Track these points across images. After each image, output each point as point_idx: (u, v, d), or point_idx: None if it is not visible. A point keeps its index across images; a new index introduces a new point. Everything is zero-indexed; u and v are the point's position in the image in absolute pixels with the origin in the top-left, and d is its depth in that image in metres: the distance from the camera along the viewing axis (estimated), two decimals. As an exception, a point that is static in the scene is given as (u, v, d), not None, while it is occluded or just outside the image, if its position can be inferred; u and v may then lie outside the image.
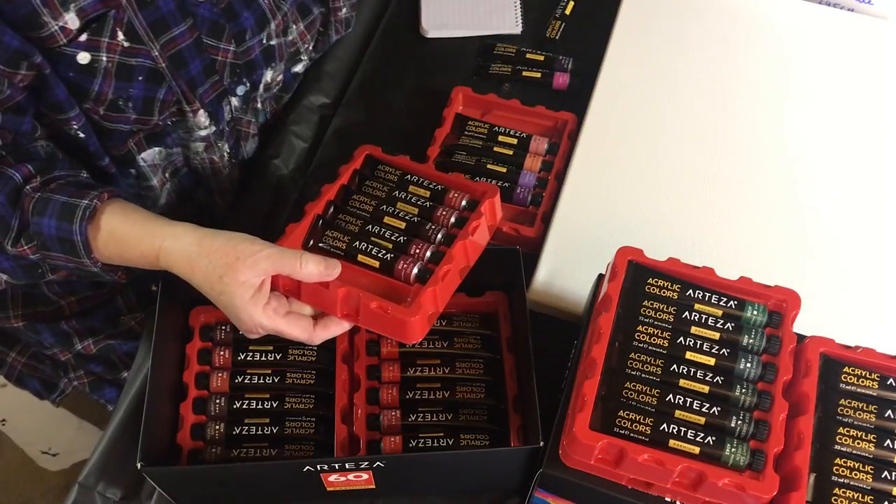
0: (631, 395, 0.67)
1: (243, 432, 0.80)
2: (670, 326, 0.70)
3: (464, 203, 0.82)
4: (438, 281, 0.74)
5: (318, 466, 0.73)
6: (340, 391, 0.81)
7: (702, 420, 0.66)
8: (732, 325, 0.70)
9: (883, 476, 0.66)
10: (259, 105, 1.00)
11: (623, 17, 1.12)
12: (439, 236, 0.79)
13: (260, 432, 0.80)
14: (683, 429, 0.65)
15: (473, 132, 1.01)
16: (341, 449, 0.79)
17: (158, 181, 0.93)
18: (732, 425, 0.65)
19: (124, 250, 0.76)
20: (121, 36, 0.78)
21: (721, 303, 0.71)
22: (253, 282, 0.71)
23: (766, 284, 0.72)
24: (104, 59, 0.78)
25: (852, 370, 0.70)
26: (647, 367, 0.68)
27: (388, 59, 1.11)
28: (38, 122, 0.80)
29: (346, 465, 0.73)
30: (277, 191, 1.02)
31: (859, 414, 0.68)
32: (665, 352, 0.69)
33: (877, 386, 0.69)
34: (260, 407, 0.81)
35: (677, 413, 0.66)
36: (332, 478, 0.75)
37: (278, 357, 0.83)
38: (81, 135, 0.82)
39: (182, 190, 0.98)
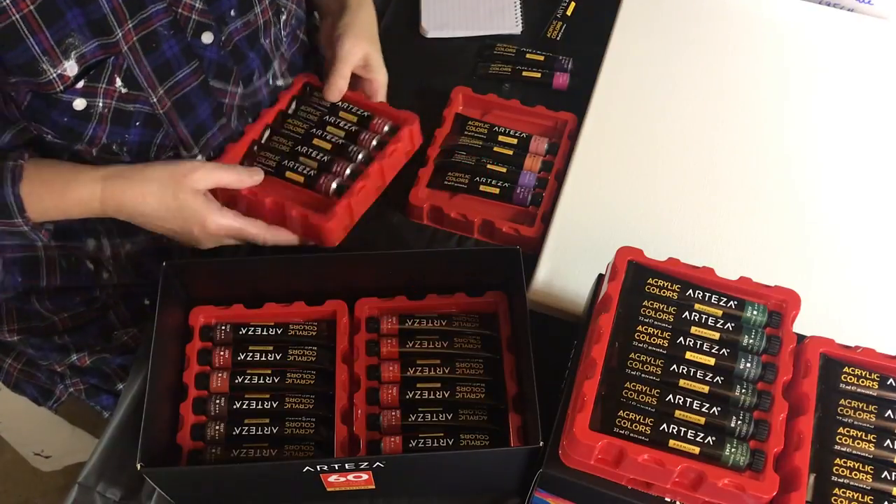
0: (631, 395, 0.67)
1: (243, 433, 0.80)
2: (670, 326, 0.70)
3: (386, 129, 0.93)
4: (354, 195, 0.87)
5: (318, 467, 0.73)
6: (340, 391, 0.81)
7: (702, 420, 0.66)
8: (732, 325, 0.70)
9: (883, 476, 0.66)
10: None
11: (623, 17, 1.13)
12: (360, 156, 0.90)
13: (260, 432, 0.80)
14: (683, 429, 0.65)
15: (473, 132, 1.01)
16: (341, 449, 0.79)
17: None
18: (732, 425, 0.65)
19: (61, 200, 0.78)
20: (118, 82, 0.77)
21: (721, 303, 0.71)
22: (204, 190, 0.81)
23: (766, 284, 0.72)
24: (100, 104, 0.77)
25: (852, 370, 0.70)
26: (647, 367, 0.68)
27: (388, 60, 1.10)
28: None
29: (346, 466, 0.73)
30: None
31: (859, 414, 0.68)
32: (665, 352, 0.69)
33: (877, 386, 0.69)
34: (260, 407, 0.81)
35: (677, 413, 0.66)
36: (332, 478, 0.75)
37: (278, 357, 0.83)
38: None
39: None
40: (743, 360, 0.68)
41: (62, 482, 1.58)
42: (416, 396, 0.81)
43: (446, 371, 0.82)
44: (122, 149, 0.81)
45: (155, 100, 0.80)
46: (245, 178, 0.85)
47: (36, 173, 0.77)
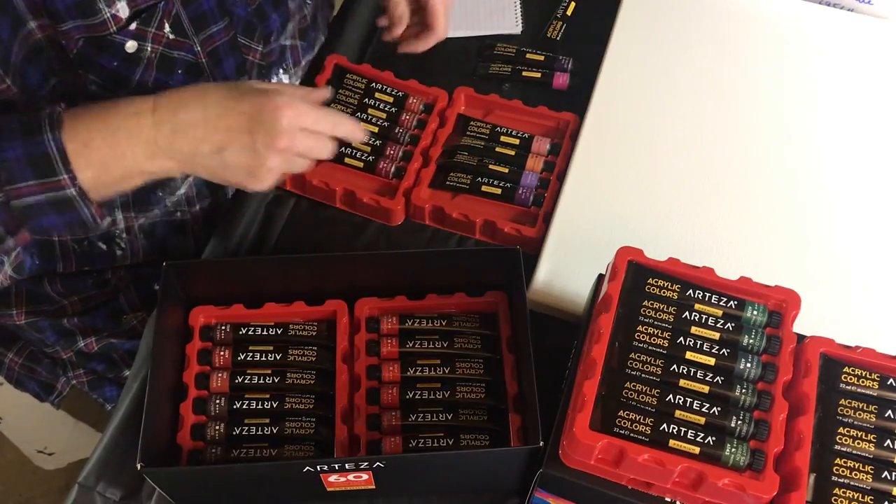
0: (631, 395, 0.67)
1: (243, 432, 0.80)
2: (670, 326, 0.70)
3: (421, 107, 1.02)
4: (410, 176, 0.96)
5: (318, 467, 0.73)
6: (340, 391, 0.81)
7: (702, 420, 0.66)
8: (732, 325, 0.70)
9: (883, 476, 0.66)
10: None
11: (623, 17, 1.13)
12: (407, 138, 0.99)
13: (260, 432, 0.80)
14: (683, 429, 0.65)
15: (475, 132, 1.02)
16: (341, 449, 0.79)
17: None
18: (732, 425, 0.65)
19: (108, 119, 0.69)
20: (167, 28, 0.78)
21: (721, 303, 0.71)
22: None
23: (766, 284, 0.72)
24: (149, 48, 0.78)
25: (852, 370, 0.70)
26: (647, 367, 0.68)
27: (389, 60, 1.11)
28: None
29: (346, 466, 0.73)
30: (278, 189, 1.02)
31: (859, 414, 0.68)
32: (665, 352, 0.69)
33: (877, 386, 0.69)
34: (260, 407, 0.81)
35: (677, 413, 0.66)
36: (332, 478, 0.75)
37: (278, 357, 0.83)
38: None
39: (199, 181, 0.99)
40: (743, 360, 0.68)
41: (63, 482, 1.58)
42: (416, 396, 0.81)
43: (446, 371, 0.82)
44: None
45: (198, 48, 0.82)
46: (352, 126, 0.79)
47: (76, 116, 0.69)
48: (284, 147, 0.72)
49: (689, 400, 0.66)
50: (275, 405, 0.81)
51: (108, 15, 0.74)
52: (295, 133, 0.72)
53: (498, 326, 0.86)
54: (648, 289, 0.72)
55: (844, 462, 0.66)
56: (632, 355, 0.69)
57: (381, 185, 0.98)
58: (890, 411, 0.68)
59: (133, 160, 0.70)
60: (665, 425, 0.65)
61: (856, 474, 0.66)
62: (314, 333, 0.85)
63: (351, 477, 0.76)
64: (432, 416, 0.80)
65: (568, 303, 0.89)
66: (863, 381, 0.70)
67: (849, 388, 0.70)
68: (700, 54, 1.09)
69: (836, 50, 1.09)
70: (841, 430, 0.68)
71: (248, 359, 0.83)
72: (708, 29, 1.12)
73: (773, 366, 0.69)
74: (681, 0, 1.15)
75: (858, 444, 0.67)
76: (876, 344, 0.72)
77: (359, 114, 1.01)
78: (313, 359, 0.84)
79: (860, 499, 0.65)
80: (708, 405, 0.66)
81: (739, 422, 0.65)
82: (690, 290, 0.72)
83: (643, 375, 0.68)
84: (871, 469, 0.66)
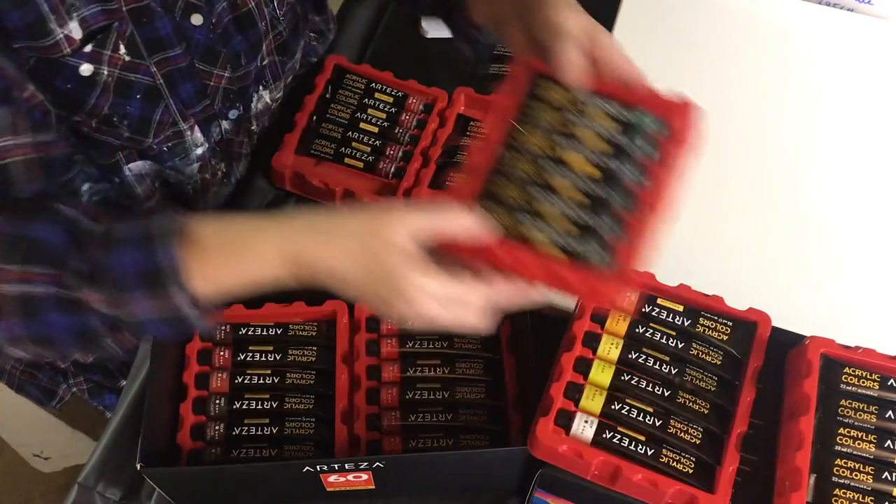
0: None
1: (243, 433, 0.80)
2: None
3: (421, 107, 1.02)
4: (410, 176, 0.97)
5: (318, 467, 0.73)
6: (340, 391, 0.81)
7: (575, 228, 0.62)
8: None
9: (883, 477, 0.66)
10: (254, 126, 0.98)
11: (623, 17, 1.12)
12: (406, 138, 1.00)
13: (260, 433, 0.80)
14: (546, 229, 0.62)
15: (475, 132, 1.01)
16: (341, 449, 0.79)
17: (145, 189, 0.89)
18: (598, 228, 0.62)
19: (244, 252, 0.63)
20: (122, 49, 0.75)
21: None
22: (404, 244, 0.59)
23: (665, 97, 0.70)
24: (105, 72, 0.75)
25: (853, 371, 0.70)
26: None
27: (388, 60, 1.11)
28: None
29: (346, 466, 0.73)
30: (278, 189, 1.02)
31: (860, 415, 0.68)
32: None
33: (877, 387, 0.69)
34: (260, 407, 0.81)
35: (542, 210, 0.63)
36: (332, 478, 0.75)
37: (278, 357, 0.83)
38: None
39: (169, 200, 0.95)
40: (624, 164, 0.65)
41: (62, 482, 1.58)
42: (416, 397, 0.81)
43: (446, 371, 0.82)
44: (122, 122, 0.79)
45: (154, 69, 0.78)
46: (466, 222, 0.61)
47: (200, 229, 0.62)
48: (425, 324, 0.60)
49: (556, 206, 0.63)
50: (274, 405, 0.81)
51: (62, 36, 0.70)
52: (430, 312, 0.60)
53: (498, 326, 0.86)
54: None
55: (845, 463, 0.66)
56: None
57: (381, 185, 0.98)
58: (890, 412, 0.68)
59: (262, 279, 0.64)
60: (529, 221, 0.62)
61: (856, 475, 0.66)
62: (314, 333, 0.85)
63: (351, 477, 0.76)
64: (432, 416, 0.80)
65: (568, 302, 0.88)
66: (863, 382, 0.70)
67: (849, 388, 0.70)
68: (700, 55, 1.09)
69: (836, 50, 1.09)
70: (841, 430, 0.68)
71: (248, 359, 0.83)
72: (708, 29, 1.12)
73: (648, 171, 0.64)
74: (681, 0, 1.15)
75: (859, 444, 0.67)
76: (876, 344, 0.72)
77: (358, 114, 1.01)
78: (313, 359, 0.83)
79: (860, 499, 0.65)
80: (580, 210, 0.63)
81: (605, 224, 0.62)
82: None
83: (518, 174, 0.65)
84: (872, 470, 0.66)
